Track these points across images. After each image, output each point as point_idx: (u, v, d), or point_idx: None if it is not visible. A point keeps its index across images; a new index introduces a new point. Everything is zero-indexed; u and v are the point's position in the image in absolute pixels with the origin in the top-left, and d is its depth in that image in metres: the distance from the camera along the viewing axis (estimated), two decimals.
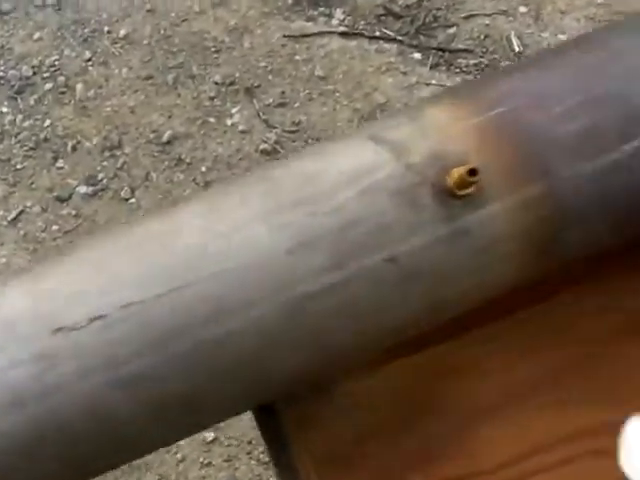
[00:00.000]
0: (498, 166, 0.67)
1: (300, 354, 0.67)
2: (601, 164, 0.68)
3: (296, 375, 0.69)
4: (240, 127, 2.32)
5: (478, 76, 2.30)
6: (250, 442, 1.79)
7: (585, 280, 0.81)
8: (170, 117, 2.29)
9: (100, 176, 2.19)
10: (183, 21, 2.53)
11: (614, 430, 0.75)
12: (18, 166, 2.23)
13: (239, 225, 0.65)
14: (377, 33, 2.46)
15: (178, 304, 0.63)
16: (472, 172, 0.63)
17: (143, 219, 0.69)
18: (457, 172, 0.64)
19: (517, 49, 2.35)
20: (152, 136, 2.27)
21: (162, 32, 2.46)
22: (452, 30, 2.42)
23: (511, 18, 2.41)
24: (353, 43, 2.45)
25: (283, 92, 2.36)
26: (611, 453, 0.73)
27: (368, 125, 0.70)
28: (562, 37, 2.34)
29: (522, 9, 2.42)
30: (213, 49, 2.48)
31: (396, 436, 0.78)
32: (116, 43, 2.45)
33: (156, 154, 2.24)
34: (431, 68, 2.36)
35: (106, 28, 2.46)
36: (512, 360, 0.81)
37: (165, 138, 2.25)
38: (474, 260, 0.67)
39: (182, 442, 1.66)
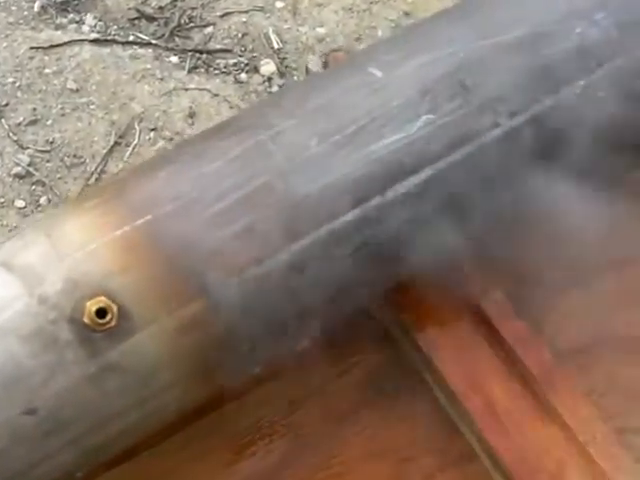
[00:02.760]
0: (147, 287, 0.58)
1: None
2: (265, 269, 0.60)
3: None
4: None
5: (239, 76, 2.22)
6: None
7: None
8: None
9: None
10: None
11: None
12: None
13: None
14: (131, 38, 2.34)
15: None
16: (101, 312, 0.54)
17: None
18: (89, 307, 0.55)
19: (276, 45, 2.28)
20: None
21: None
22: (209, 30, 2.33)
23: (268, 14, 2.33)
24: (106, 50, 2.32)
25: (34, 109, 2.21)
26: None
27: (3, 243, 0.59)
28: (321, 30, 2.28)
29: (279, 4, 2.34)
30: None
31: None
32: None
33: None
34: (189, 71, 2.26)
35: None
36: (212, 466, 0.73)
37: None
38: (128, 396, 0.59)
39: None
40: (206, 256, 0.59)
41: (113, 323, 0.56)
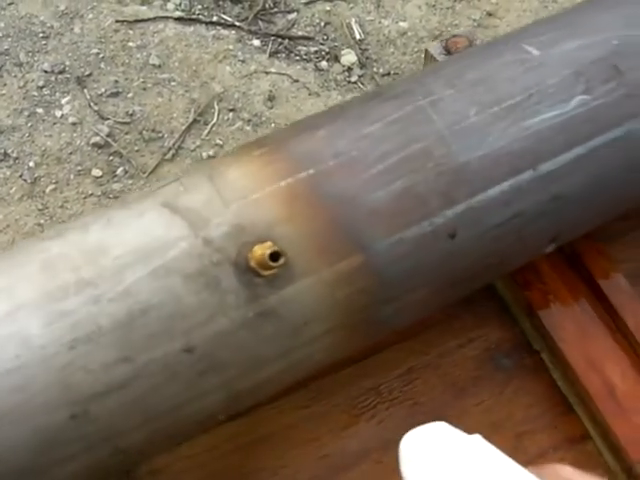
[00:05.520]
0: (309, 238, 0.60)
1: (90, 457, 0.59)
2: (421, 231, 0.62)
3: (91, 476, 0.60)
4: (70, 119, 2.18)
5: (319, 64, 2.24)
6: None
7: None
8: None
9: None
10: (9, 4, 2.36)
11: None
12: None
13: (7, 315, 0.56)
14: (215, 18, 2.36)
15: None
16: (274, 256, 0.55)
17: None
18: (259, 251, 0.57)
19: (358, 36, 2.29)
20: None
21: None
22: (292, 16, 2.34)
23: (352, 5, 2.35)
24: (190, 29, 2.34)
25: (116, 81, 2.24)
26: None
27: (163, 187, 0.60)
28: (403, 24, 2.29)
29: None
30: (41, 35, 2.33)
31: None
32: None
33: None
34: (270, 55, 2.28)
35: None
36: (331, 427, 0.74)
37: None
38: (281, 344, 0.60)
39: None
40: (365, 214, 0.60)
41: (275, 270, 0.57)
